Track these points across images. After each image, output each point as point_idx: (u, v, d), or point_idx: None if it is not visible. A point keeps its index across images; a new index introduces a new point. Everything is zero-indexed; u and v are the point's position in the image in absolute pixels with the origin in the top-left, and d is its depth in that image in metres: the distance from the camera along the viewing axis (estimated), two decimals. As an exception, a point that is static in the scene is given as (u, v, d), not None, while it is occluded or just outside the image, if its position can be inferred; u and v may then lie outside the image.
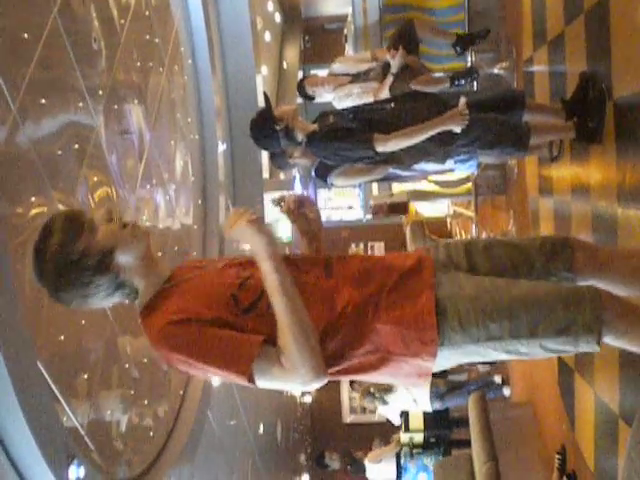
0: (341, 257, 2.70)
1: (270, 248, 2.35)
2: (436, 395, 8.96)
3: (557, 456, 5.53)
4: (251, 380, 2.31)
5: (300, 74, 14.41)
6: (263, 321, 2.40)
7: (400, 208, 9.06)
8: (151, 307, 2.45)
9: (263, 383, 2.34)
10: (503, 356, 2.54)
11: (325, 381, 2.37)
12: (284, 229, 9.82)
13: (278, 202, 2.71)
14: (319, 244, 2.89)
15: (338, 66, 6.98)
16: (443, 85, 6.65)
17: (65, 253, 2.33)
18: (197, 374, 2.48)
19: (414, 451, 10.02)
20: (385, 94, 6.34)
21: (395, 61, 6.23)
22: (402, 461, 9.89)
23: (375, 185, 10.66)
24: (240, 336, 2.34)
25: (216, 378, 2.41)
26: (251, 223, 2.36)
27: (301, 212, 2.77)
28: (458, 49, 7.51)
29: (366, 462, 10.98)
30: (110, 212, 2.44)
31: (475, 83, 7.13)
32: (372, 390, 9.56)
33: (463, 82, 6.68)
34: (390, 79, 6.29)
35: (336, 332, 2.45)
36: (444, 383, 8.94)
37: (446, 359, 2.51)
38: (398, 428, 10.36)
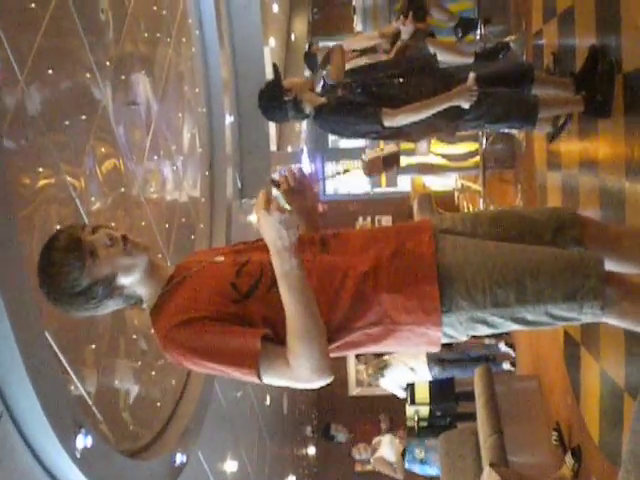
0: (336, 233, 2.69)
1: (283, 243, 2.27)
2: (434, 360, 8.96)
3: (554, 433, 5.56)
4: (258, 376, 2.31)
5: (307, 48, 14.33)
6: (264, 303, 2.42)
7: (394, 159, 8.96)
8: (157, 311, 2.48)
9: (269, 379, 2.35)
10: (509, 324, 2.53)
11: (328, 381, 2.36)
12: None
13: (276, 183, 2.60)
14: (316, 222, 2.87)
15: (346, 43, 6.97)
16: (464, 58, 6.63)
17: (71, 286, 2.36)
18: (209, 373, 2.50)
19: (420, 424, 10.07)
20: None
21: (406, 27, 6.21)
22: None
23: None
24: (242, 330, 2.35)
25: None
26: (273, 214, 2.25)
27: (299, 189, 2.72)
28: (459, 32, 7.51)
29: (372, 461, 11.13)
30: (111, 236, 2.42)
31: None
32: (370, 369, 9.61)
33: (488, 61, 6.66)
34: (400, 46, 6.27)
35: (337, 305, 2.45)
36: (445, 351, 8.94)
37: (453, 328, 2.51)
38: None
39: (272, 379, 2.35)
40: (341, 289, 2.47)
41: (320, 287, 2.43)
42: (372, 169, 9.13)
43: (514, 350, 8.97)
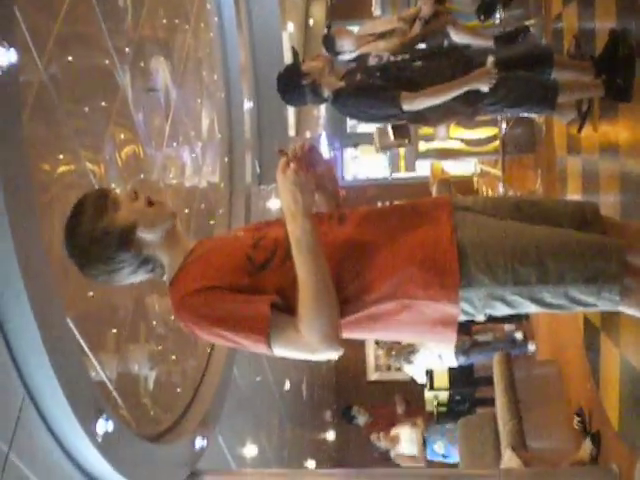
0: (354, 209, 2.71)
1: (297, 206, 2.34)
2: (461, 349, 8.98)
3: (576, 417, 5.54)
4: (268, 343, 2.33)
5: (326, 31, 14.29)
6: (278, 274, 2.44)
7: (404, 129, 8.86)
8: (175, 282, 2.51)
9: (278, 349, 2.37)
10: (528, 304, 2.52)
11: (338, 354, 2.38)
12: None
13: (284, 153, 2.48)
14: (335, 199, 2.85)
15: (364, 28, 6.95)
16: (484, 42, 6.59)
17: (89, 230, 2.43)
18: (220, 343, 2.52)
19: (439, 409, 10.10)
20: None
21: (425, 7, 6.19)
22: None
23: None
24: (253, 298, 2.37)
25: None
26: (288, 175, 2.35)
27: (310, 162, 2.54)
28: (482, 15, 7.47)
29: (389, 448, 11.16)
30: (135, 191, 2.52)
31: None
32: (394, 352, 9.62)
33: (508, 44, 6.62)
34: (419, 25, 6.24)
35: (352, 277, 2.46)
36: (469, 338, 8.94)
37: (471, 304, 2.49)
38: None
39: (281, 347, 2.37)
40: (357, 262, 2.48)
41: (335, 260, 2.44)
42: (383, 142, 9.05)
43: (527, 340, 8.94)
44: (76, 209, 2.47)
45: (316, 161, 2.54)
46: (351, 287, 2.46)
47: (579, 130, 5.46)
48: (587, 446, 5.17)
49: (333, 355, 2.39)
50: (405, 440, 11.09)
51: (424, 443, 10.19)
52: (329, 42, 6.49)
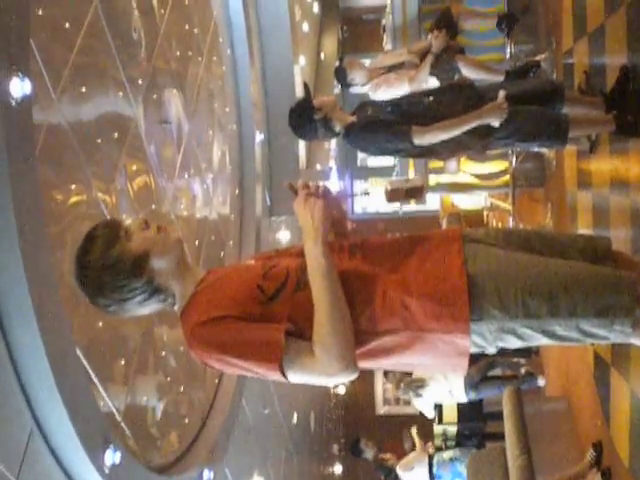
0: (365, 240, 2.72)
1: (318, 234, 2.41)
2: (470, 385, 8.93)
3: (591, 450, 5.49)
4: (282, 370, 2.33)
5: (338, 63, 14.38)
6: (289, 304, 2.45)
7: (417, 192, 8.91)
8: (186, 311, 2.52)
9: (293, 375, 2.37)
10: (539, 337, 2.51)
11: (354, 376, 2.38)
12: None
13: (294, 189, 2.58)
14: (344, 231, 2.87)
15: (375, 62, 7.00)
16: (495, 77, 6.64)
17: (102, 259, 2.43)
18: (232, 372, 2.53)
19: (447, 443, 10.03)
20: (425, 74, 6.32)
21: (437, 41, 6.24)
22: (435, 469, 9.90)
23: (412, 175, 10.61)
24: (266, 326, 2.38)
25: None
26: (306, 205, 2.45)
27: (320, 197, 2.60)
28: (503, 27, 7.48)
29: (398, 469, 10.97)
30: (146, 220, 2.55)
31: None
32: (403, 385, 9.55)
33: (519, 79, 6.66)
34: (430, 58, 6.28)
35: (364, 309, 2.47)
36: (477, 370, 8.89)
37: (483, 337, 2.49)
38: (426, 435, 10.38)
39: (296, 373, 2.36)
40: (368, 294, 2.49)
41: (347, 291, 2.44)
42: (393, 198, 9.09)
43: (532, 375, 8.89)
44: (87, 239, 2.48)
45: (325, 195, 2.57)
46: (362, 318, 2.46)
47: (591, 151, 5.45)
48: (597, 482, 5.14)
49: (349, 378, 2.38)
50: (416, 467, 10.94)
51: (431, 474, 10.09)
52: (341, 74, 6.53)
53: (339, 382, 2.41)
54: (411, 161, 10.25)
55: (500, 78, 6.81)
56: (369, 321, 2.47)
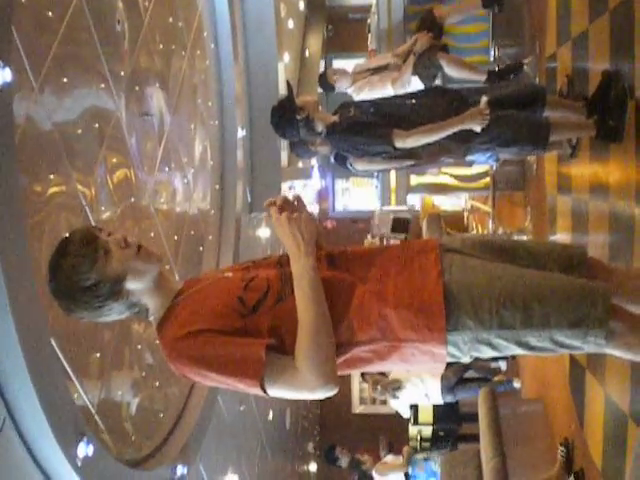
0: (342, 250, 2.72)
1: (299, 251, 2.43)
2: (447, 388, 8.97)
3: (560, 448, 5.52)
4: (262, 385, 2.32)
5: (322, 63, 14.38)
6: (271, 315, 2.44)
7: (402, 227, 8.95)
8: (163, 324, 2.49)
9: (273, 391, 2.36)
10: (513, 348, 2.53)
11: (335, 391, 2.37)
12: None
13: (271, 203, 2.57)
14: (319, 241, 2.76)
15: (360, 65, 7.04)
16: (477, 76, 6.69)
17: (79, 279, 2.38)
18: (212, 385, 2.52)
19: (422, 444, 10.05)
20: (408, 75, 6.36)
21: (420, 42, 6.30)
22: (410, 470, 9.96)
23: (393, 175, 10.64)
24: (247, 341, 2.36)
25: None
26: (290, 223, 2.44)
27: (294, 210, 2.60)
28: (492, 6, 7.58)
29: (374, 473, 10.99)
30: (125, 238, 2.47)
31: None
32: (379, 387, 9.57)
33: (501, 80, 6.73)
34: (413, 59, 6.33)
35: (342, 320, 2.47)
36: (453, 373, 8.92)
37: (457, 348, 2.50)
38: (406, 438, 10.41)
39: (276, 388, 2.35)
40: (346, 304, 2.49)
41: (327, 302, 2.43)
42: (379, 230, 9.14)
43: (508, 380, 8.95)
44: (62, 250, 2.40)
45: (299, 207, 2.58)
46: (340, 329, 2.46)
47: (571, 155, 5.47)
48: (570, 485, 5.16)
49: (330, 393, 2.37)
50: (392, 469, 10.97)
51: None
52: (325, 85, 6.60)
53: (319, 397, 2.39)
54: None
55: (482, 77, 6.85)
56: (346, 332, 2.48)
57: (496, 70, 7.22)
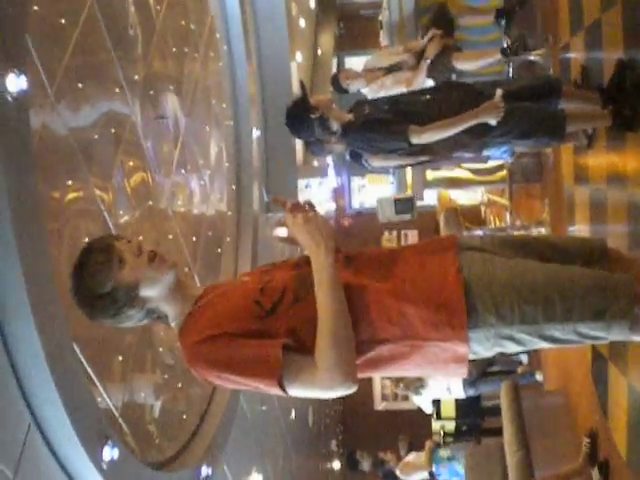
0: (361, 251, 2.73)
1: (319, 248, 2.44)
2: (469, 381, 8.95)
3: (586, 439, 5.49)
4: (281, 384, 2.33)
5: (334, 61, 14.37)
6: (288, 316, 2.46)
7: (406, 206, 8.91)
8: (184, 329, 2.53)
9: (293, 390, 2.37)
10: (537, 342, 2.52)
11: (354, 389, 2.38)
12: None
13: (277, 200, 2.65)
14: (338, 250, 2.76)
15: (371, 61, 7.03)
16: (491, 58, 6.69)
17: (95, 287, 2.45)
18: (233, 387, 2.55)
19: (446, 439, 10.04)
20: (422, 79, 6.36)
21: (431, 47, 6.28)
22: (434, 467, 9.94)
23: (409, 171, 10.61)
24: (264, 342, 2.38)
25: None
26: (307, 222, 2.47)
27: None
28: (502, 23, 7.52)
29: (398, 472, 10.98)
30: (139, 246, 2.52)
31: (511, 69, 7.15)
32: (402, 384, 9.58)
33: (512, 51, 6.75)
34: (425, 64, 6.32)
35: (361, 318, 2.47)
36: (475, 367, 8.90)
37: (480, 344, 2.50)
38: (429, 432, 10.39)
39: (295, 387, 2.37)
40: (366, 303, 2.49)
41: (347, 302, 2.44)
42: (385, 213, 9.12)
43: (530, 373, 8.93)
44: (82, 261, 2.47)
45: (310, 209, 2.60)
46: (360, 327, 2.47)
47: (588, 145, 5.45)
48: (595, 476, 5.13)
49: (349, 391, 2.38)
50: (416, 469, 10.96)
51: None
52: (338, 86, 6.62)
53: (338, 395, 2.40)
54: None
55: (497, 56, 6.88)
56: (366, 331, 2.48)
57: (508, 46, 7.24)
